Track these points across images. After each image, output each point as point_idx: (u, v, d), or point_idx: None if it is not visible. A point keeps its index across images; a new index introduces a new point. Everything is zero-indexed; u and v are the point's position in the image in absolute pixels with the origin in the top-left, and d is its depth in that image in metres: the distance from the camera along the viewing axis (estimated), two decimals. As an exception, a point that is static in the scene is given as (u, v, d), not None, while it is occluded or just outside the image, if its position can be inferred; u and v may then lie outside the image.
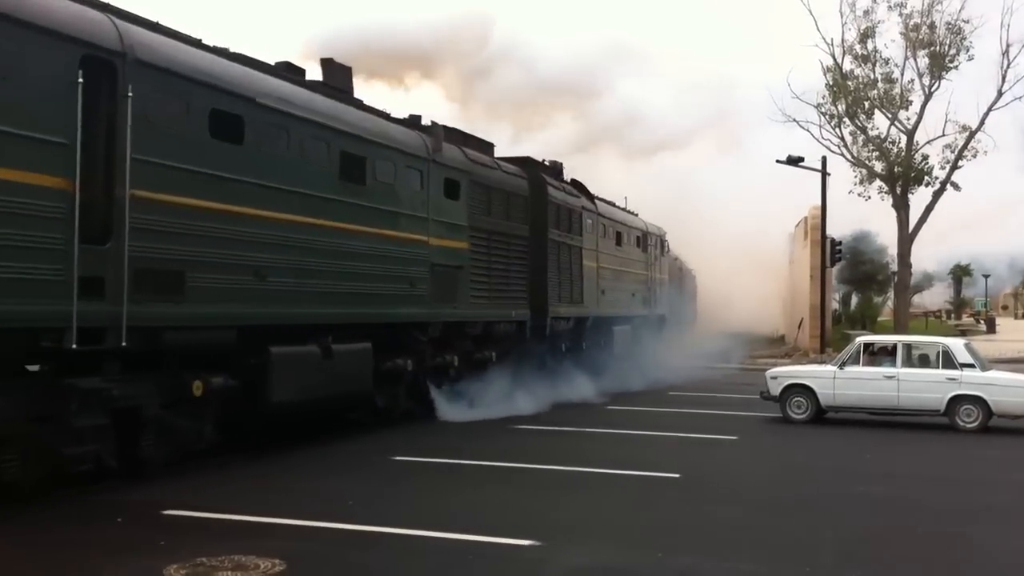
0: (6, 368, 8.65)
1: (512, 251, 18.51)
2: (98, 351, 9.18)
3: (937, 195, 40.69)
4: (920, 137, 40.83)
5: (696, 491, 10.70)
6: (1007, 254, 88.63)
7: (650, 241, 29.27)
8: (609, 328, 24.53)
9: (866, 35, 40.89)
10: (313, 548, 7.67)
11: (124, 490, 9.54)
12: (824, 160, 36.84)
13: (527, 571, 7.32)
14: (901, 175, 40.33)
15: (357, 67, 21.04)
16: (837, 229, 38.86)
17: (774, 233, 45.26)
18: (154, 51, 9.93)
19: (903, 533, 8.89)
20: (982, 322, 75.48)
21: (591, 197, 23.92)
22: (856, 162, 41.62)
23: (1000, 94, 39.93)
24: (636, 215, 29.04)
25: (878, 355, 17.28)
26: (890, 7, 40.70)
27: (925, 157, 40.71)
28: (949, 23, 39.77)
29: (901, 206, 40.94)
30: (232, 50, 11.89)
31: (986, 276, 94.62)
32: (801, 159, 36.01)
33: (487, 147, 18.88)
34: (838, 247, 36.96)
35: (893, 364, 16.67)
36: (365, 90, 23.95)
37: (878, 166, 41.21)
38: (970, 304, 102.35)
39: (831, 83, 41.10)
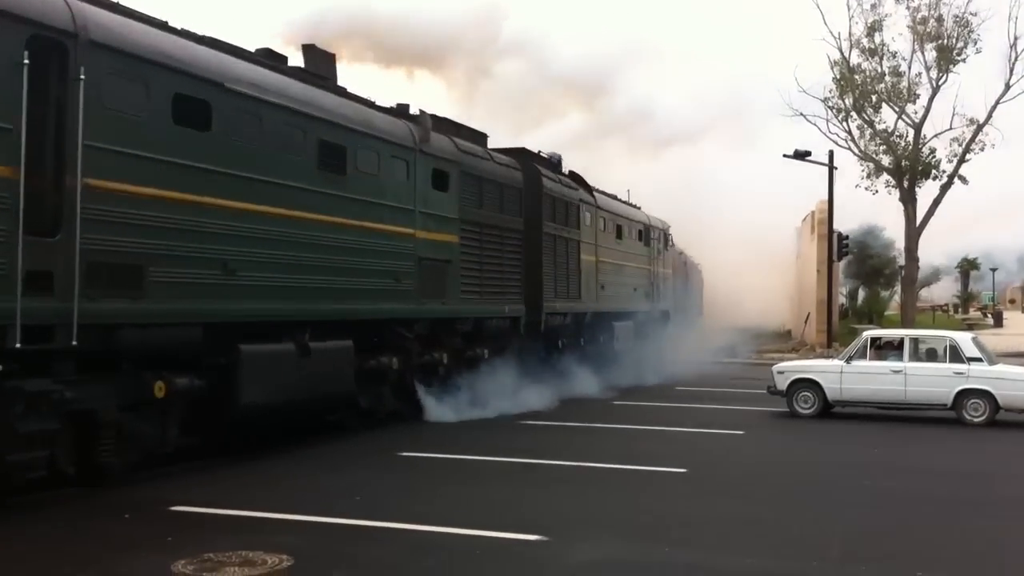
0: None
1: (505, 244, 17.91)
2: (48, 351, 8.59)
3: (944, 189, 40.26)
4: (927, 131, 40.42)
5: (703, 486, 10.66)
6: (1015, 248, 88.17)
7: (653, 235, 28.58)
8: (609, 324, 23.92)
9: (873, 28, 40.35)
10: (321, 543, 7.71)
11: (130, 487, 9.60)
12: (831, 154, 36.67)
13: (535, 566, 7.35)
14: (908, 169, 39.87)
15: (358, 55, 20.42)
16: (844, 223, 38.84)
17: (781, 227, 44.91)
18: (110, 32, 9.34)
19: (911, 526, 8.86)
20: (989, 316, 74.90)
21: (589, 189, 23.25)
22: (863, 156, 41.16)
23: (1008, 87, 39.34)
24: (638, 208, 28.32)
25: (885, 349, 17.28)
26: (897, 0, 40.17)
27: (932, 151, 40.31)
28: (957, 16, 39.25)
29: (908, 200, 40.44)
30: (203, 34, 11.32)
31: (994, 270, 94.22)
32: (808, 153, 36.00)
33: (480, 137, 18.22)
34: (845, 241, 36.97)
35: (900, 358, 16.69)
36: (370, 82, 23.39)
37: (885, 160, 40.72)
38: (977, 298, 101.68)
39: (838, 77, 40.64)
